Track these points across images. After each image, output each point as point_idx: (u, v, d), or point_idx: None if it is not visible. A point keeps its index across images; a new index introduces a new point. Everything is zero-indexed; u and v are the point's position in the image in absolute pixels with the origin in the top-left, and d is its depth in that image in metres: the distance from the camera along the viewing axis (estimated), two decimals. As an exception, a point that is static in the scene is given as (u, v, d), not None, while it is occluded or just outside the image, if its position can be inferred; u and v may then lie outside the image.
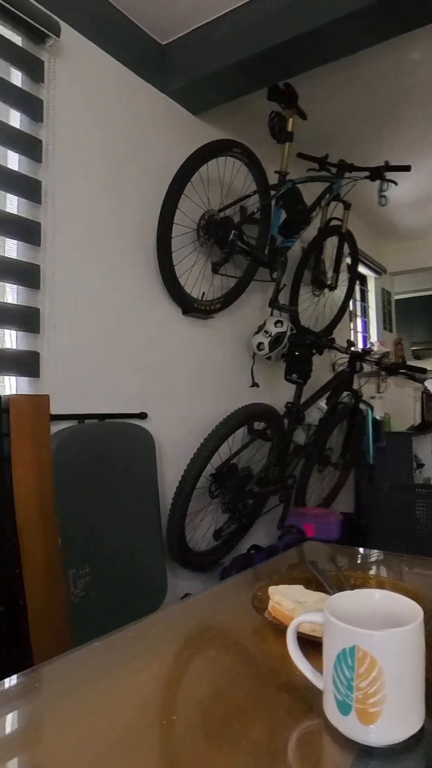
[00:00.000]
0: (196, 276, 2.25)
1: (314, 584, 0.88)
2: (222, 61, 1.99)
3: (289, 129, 2.34)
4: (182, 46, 2.11)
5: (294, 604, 0.75)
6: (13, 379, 1.62)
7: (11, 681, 0.64)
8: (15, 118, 1.65)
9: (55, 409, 1.61)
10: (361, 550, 1.22)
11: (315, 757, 0.50)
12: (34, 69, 1.66)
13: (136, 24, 2.03)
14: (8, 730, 0.56)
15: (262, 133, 2.39)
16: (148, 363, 2.08)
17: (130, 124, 2.01)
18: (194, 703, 0.58)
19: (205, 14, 2.00)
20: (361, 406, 3.20)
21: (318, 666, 0.57)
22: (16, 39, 1.63)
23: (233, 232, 2.15)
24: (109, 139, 1.93)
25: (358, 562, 1.15)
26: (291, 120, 2.33)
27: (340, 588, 0.86)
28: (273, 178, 2.40)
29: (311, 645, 0.61)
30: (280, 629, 0.75)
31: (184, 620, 0.82)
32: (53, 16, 1.66)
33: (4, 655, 1.08)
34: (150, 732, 0.53)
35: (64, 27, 1.72)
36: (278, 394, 2.81)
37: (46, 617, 1.15)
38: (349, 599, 0.60)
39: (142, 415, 2.01)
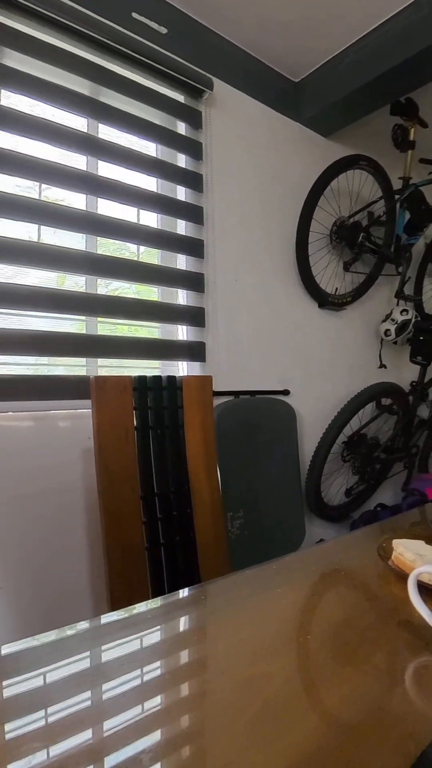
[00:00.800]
0: (330, 274, 2.17)
1: (434, 540, 0.82)
2: (348, 87, 1.86)
3: (411, 138, 2.12)
4: (312, 80, 2.01)
5: (415, 556, 0.71)
6: (185, 363, 1.72)
7: (184, 593, 0.69)
8: (181, 160, 1.72)
9: (216, 387, 1.68)
10: None
11: (429, 687, 0.47)
12: (194, 119, 1.71)
13: (273, 69, 1.98)
14: (181, 628, 0.60)
15: (386, 144, 2.21)
16: (291, 349, 2.06)
17: (272, 152, 1.98)
18: (325, 628, 0.58)
19: (331, 50, 1.88)
20: None
21: (435, 610, 0.53)
22: (180, 97, 1.69)
23: (362, 234, 2.03)
24: (255, 167, 1.92)
25: None
26: (412, 130, 2.11)
27: (459, 545, 0.79)
28: (397, 184, 2.21)
29: (429, 592, 0.57)
30: (401, 576, 0.71)
31: (319, 560, 0.81)
32: (207, 74, 1.69)
33: (180, 574, 1.16)
34: (288, 645, 0.54)
35: (216, 81, 1.75)
36: (404, 374, 2.62)
37: (210, 547, 1.21)
38: (466, 556, 0.56)
39: (286, 392, 2.00)
